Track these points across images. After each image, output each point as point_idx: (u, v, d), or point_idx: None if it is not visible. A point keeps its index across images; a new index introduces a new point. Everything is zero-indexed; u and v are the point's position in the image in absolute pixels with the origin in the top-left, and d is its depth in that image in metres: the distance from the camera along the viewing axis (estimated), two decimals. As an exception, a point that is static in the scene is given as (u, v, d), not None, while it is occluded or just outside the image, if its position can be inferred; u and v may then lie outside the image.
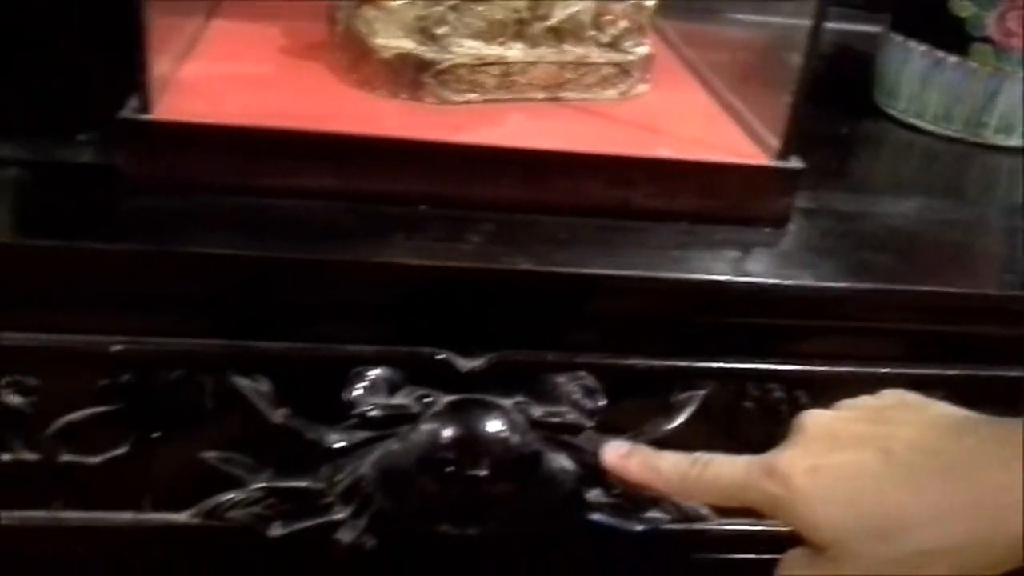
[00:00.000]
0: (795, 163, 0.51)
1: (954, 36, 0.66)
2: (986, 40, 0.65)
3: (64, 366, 0.45)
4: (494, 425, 0.48)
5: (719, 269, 0.48)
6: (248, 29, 0.57)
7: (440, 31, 0.50)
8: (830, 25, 0.49)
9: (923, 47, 0.67)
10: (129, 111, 0.44)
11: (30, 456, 0.47)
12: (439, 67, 0.51)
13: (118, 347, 0.44)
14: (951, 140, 0.68)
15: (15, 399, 0.45)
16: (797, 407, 0.52)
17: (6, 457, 0.47)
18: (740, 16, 0.66)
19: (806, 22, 0.49)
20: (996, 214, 0.60)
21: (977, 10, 0.65)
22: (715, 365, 0.51)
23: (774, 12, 0.57)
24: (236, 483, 0.48)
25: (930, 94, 0.68)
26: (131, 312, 0.44)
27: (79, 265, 0.43)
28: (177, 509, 0.49)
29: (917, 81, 0.68)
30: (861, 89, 0.74)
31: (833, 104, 0.70)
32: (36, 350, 0.44)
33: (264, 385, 0.46)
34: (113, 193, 0.45)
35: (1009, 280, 0.52)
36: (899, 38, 0.69)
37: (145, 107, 0.44)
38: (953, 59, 0.67)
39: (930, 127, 0.69)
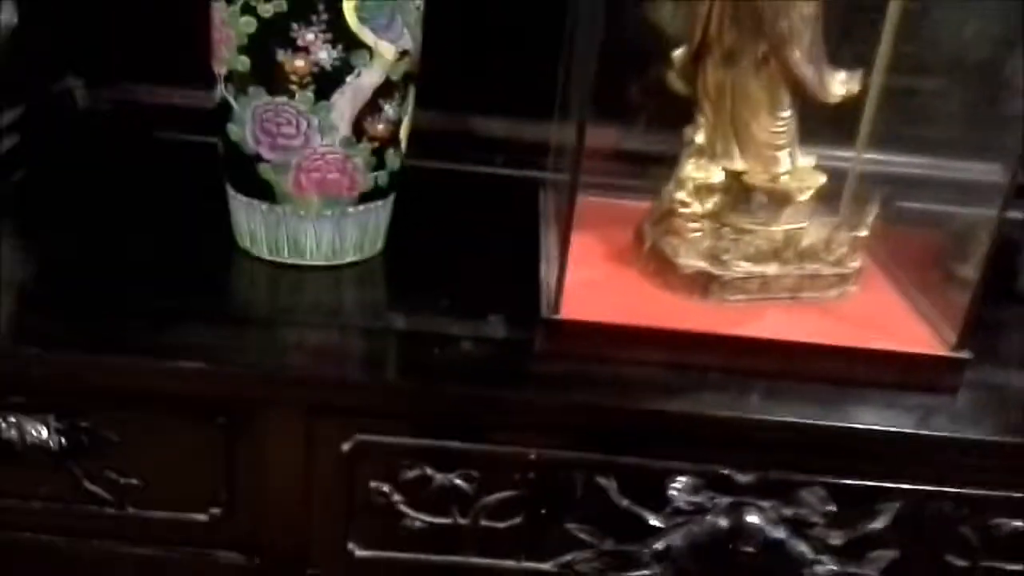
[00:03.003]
0: (966, 354, 0.75)
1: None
2: None
3: (495, 466, 0.72)
4: (755, 519, 0.73)
5: (908, 423, 0.72)
6: (575, 239, 0.83)
7: (725, 256, 0.77)
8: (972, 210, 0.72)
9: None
10: (546, 311, 0.72)
11: (463, 521, 0.74)
12: (722, 280, 0.77)
13: (532, 455, 0.71)
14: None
15: (461, 484, 0.73)
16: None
17: (446, 521, 0.74)
18: (914, 205, 0.90)
19: (980, 210, 0.72)
20: None
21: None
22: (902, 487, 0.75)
23: (951, 202, 0.80)
24: (586, 546, 0.74)
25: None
26: (539, 434, 0.72)
27: (515, 406, 0.71)
28: (543, 560, 0.75)
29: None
30: (1004, 274, 0.88)
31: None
32: (477, 455, 0.72)
33: (614, 483, 0.73)
34: (528, 360, 0.74)
35: None
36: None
37: (557, 309, 0.72)
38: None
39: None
